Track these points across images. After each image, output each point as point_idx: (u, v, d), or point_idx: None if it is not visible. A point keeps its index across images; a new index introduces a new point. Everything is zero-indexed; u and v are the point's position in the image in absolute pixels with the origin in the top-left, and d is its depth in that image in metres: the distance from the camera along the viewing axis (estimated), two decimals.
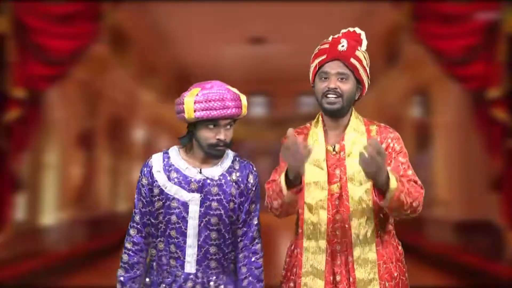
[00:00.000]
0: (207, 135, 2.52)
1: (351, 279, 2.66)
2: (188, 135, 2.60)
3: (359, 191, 2.68)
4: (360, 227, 2.67)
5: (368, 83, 2.77)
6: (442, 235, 8.82)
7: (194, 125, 2.55)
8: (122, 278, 2.67)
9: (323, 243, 2.69)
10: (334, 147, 2.74)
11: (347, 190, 2.68)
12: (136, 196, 2.64)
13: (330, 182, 2.71)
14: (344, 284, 2.66)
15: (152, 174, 2.59)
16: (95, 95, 10.35)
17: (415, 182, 2.69)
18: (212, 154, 2.57)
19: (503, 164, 6.90)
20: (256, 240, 2.68)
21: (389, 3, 7.66)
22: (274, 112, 14.85)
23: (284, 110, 14.69)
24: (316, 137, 2.77)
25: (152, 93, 12.89)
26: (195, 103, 2.46)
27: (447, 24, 6.95)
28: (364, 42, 2.77)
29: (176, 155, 2.63)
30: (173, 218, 2.58)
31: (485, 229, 7.71)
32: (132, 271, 2.64)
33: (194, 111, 2.46)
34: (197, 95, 2.48)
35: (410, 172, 2.71)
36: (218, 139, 2.52)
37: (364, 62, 2.73)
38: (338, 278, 2.67)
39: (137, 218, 2.63)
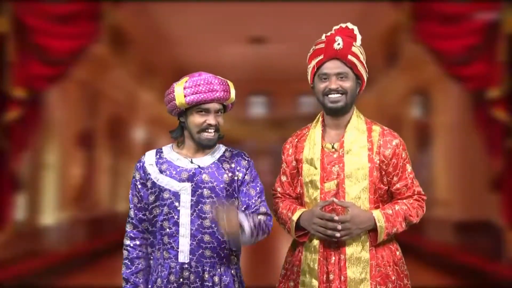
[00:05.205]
0: (198, 121, 2.60)
1: (342, 277, 2.65)
2: (178, 128, 2.70)
3: (356, 188, 2.68)
4: None
5: (367, 76, 2.77)
6: (442, 235, 8.81)
7: (185, 115, 2.63)
8: (124, 275, 2.67)
9: (316, 242, 2.70)
10: (333, 145, 2.74)
11: (344, 187, 2.68)
12: (130, 191, 2.69)
13: (326, 179, 2.71)
14: (336, 283, 2.66)
15: (145, 168, 2.66)
16: (95, 95, 10.35)
17: (419, 194, 2.75)
18: (203, 143, 2.62)
19: (503, 164, 6.89)
20: (267, 216, 2.68)
21: (389, 3, 7.66)
22: (274, 112, 14.84)
23: (284, 110, 14.68)
24: (313, 136, 2.78)
25: (152, 93, 12.87)
26: (185, 88, 2.58)
27: (447, 24, 6.95)
28: (358, 37, 2.77)
29: (168, 149, 2.72)
30: (165, 209, 2.60)
31: (485, 229, 7.71)
32: (133, 266, 2.66)
33: (185, 96, 2.56)
34: (186, 82, 2.59)
35: (415, 182, 2.77)
36: (208, 123, 2.59)
37: (361, 57, 2.74)
38: (331, 277, 2.67)
39: (131, 213, 2.67)
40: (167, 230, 2.59)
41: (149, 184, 2.64)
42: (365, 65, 2.76)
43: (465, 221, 8.39)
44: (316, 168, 2.72)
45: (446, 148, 9.43)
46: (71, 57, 7.23)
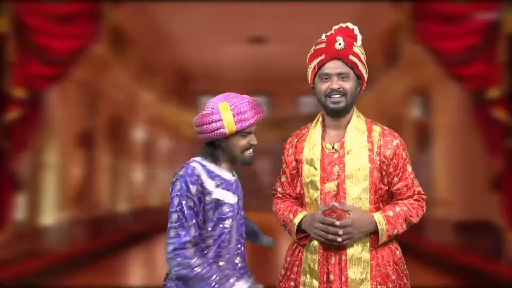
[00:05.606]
0: (242, 143, 2.61)
1: (343, 278, 2.66)
2: (212, 150, 2.64)
3: (357, 189, 2.68)
4: None
5: (367, 76, 2.77)
6: (442, 235, 8.82)
7: (225, 139, 2.61)
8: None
9: (316, 243, 2.70)
10: (333, 145, 2.74)
11: (345, 188, 2.68)
12: (183, 209, 2.52)
13: (327, 180, 2.71)
14: (337, 283, 2.66)
15: (202, 182, 2.57)
16: (95, 95, 10.35)
17: (419, 194, 2.75)
18: (246, 162, 2.65)
19: (503, 164, 6.90)
20: None
21: (389, 3, 7.66)
22: (274, 112, 14.86)
23: (284, 110, 14.69)
24: (313, 136, 2.77)
25: (152, 93, 12.89)
26: (233, 116, 2.57)
27: (447, 24, 6.95)
28: (359, 37, 2.76)
29: (208, 162, 2.65)
30: (227, 222, 2.61)
31: (485, 229, 7.71)
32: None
33: (235, 123, 2.57)
34: (231, 109, 2.58)
35: (415, 182, 2.77)
36: (251, 144, 2.63)
37: (362, 57, 2.74)
38: (331, 277, 2.67)
39: (193, 231, 2.52)
40: (227, 243, 2.62)
41: (208, 198, 2.58)
42: (366, 65, 2.76)
43: (465, 221, 8.40)
44: (316, 169, 2.71)
45: (446, 148, 9.44)
46: (71, 57, 7.23)
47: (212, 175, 2.60)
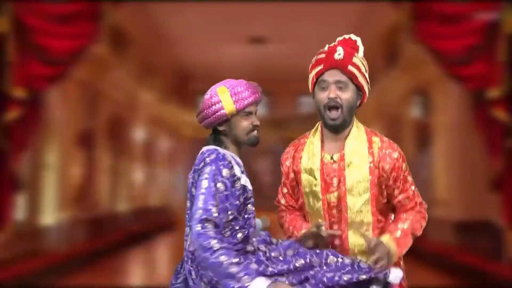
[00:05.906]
0: (245, 124, 2.65)
1: None
2: (219, 137, 2.68)
3: (358, 202, 2.66)
4: (357, 238, 2.67)
5: (369, 89, 2.74)
6: (442, 235, 8.82)
7: (228, 123, 2.64)
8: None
9: None
10: (332, 155, 2.72)
11: (346, 201, 2.67)
12: (212, 191, 2.52)
13: (327, 191, 2.70)
14: None
15: (232, 167, 2.61)
16: (95, 95, 10.36)
17: (420, 204, 2.72)
18: (253, 143, 2.68)
19: (503, 164, 6.90)
20: None
21: (389, 3, 7.66)
22: (274, 112, 14.88)
23: (284, 110, 14.72)
24: (312, 146, 2.76)
25: (152, 93, 12.90)
26: (231, 96, 2.62)
27: (447, 24, 6.96)
28: (361, 49, 2.73)
29: (226, 150, 2.68)
30: (249, 207, 2.63)
31: (485, 229, 7.72)
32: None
33: (234, 103, 2.61)
34: (229, 91, 2.64)
35: (416, 192, 2.73)
36: (254, 124, 2.65)
37: (363, 69, 2.70)
38: None
39: (214, 211, 2.50)
40: (253, 227, 2.64)
41: (237, 184, 2.60)
42: (367, 77, 2.72)
43: (465, 221, 8.40)
44: (316, 179, 2.70)
45: (446, 148, 9.44)
46: (71, 57, 7.23)
47: (236, 161, 2.65)
